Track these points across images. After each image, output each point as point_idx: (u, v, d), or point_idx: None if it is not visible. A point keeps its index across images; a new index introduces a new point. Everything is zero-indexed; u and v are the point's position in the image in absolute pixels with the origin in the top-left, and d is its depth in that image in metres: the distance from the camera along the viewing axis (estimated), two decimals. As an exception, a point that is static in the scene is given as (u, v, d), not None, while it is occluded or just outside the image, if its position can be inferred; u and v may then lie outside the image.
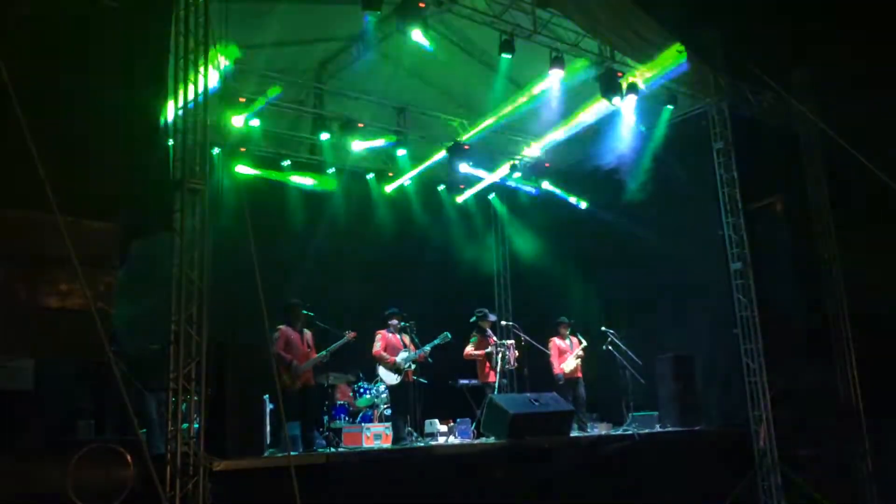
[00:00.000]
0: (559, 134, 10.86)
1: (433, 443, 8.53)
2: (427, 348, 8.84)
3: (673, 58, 8.78)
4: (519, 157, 11.73)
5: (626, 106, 9.40)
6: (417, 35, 7.61)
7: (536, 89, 9.20)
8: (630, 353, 9.63)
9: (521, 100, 9.52)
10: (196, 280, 5.60)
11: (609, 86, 8.89)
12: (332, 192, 10.98)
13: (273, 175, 10.47)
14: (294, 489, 5.42)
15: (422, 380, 8.97)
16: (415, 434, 8.56)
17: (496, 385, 9.20)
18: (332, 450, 7.52)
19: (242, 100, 8.91)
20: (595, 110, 9.92)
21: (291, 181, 10.55)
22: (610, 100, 9.04)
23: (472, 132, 10.46)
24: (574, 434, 8.66)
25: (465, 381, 9.70)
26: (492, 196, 12.76)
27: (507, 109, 9.78)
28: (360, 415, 9.01)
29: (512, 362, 9.54)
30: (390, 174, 11.43)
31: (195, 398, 5.51)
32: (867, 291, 9.71)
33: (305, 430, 7.68)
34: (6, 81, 4.78)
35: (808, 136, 10.31)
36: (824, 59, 9.87)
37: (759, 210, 9.90)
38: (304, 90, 9.60)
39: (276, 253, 9.26)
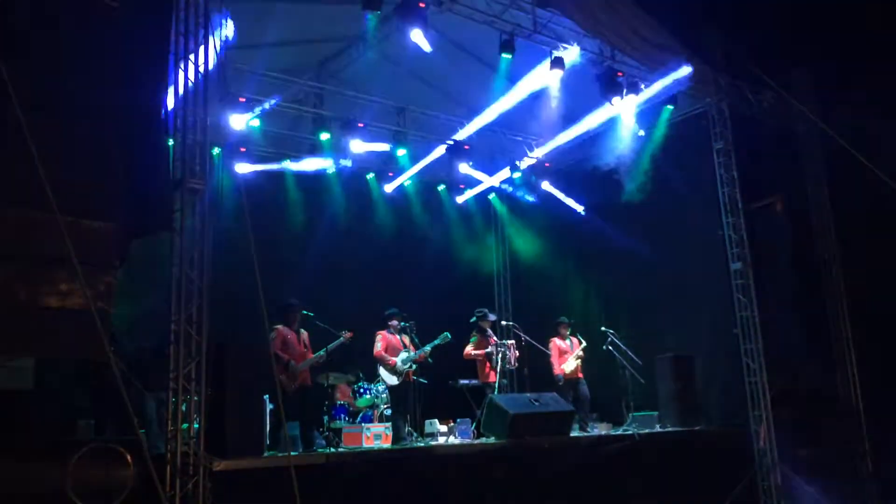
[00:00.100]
0: (562, 138, 10.86)
1: (433, 443, 8.52)
2: (427, 348, 8.85)
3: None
4: (519, 161, 11.73)
5: (626, 106, 9.39)
6: (417, 36, 7.60)
7: (530, 83, 9.18)
8: (630, 353, 9.63)
9: (516, 95, 9.49)
10: (196, 280, 5.60)
11: (609, 86, 8.89)
12: (333, 192, 10.98)
13: (273, 174, 10.47)
14: (294, 489, 5.42)
15: (422, 380, 8.97)
16: (415, 434, 8.56)
17: (496, 385, 9.21)
18: (332, 450, 7.51)
19: (242, 100, 8.91)
20: (599, 116, 9.92)
21: (292, 169, 10.47)
22: (609, 100, 9.04)
23: (469, 129, 10.45)
24: (574, 434, 8.66)
25: (466, 382, 9.70)
26: (492, 196, 12.76)
27: (503, 106, 9.76)
28: (360, 415, 9.01)
29: (512, 362, 9.54)
30: (390, 174, 11.43)
31: (195, 398, 5.51)
32: (867, 291, 9.72)
33: (305, 431, 7.69)
34: (6, 81, 4.78)
35: (808, 136, 10.32)
36: (824, 58, 9.87)
37: (759, 210, 9.90)
38: (304, 90, 9.59)
39: (276, 253, 9.27)
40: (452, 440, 8.76)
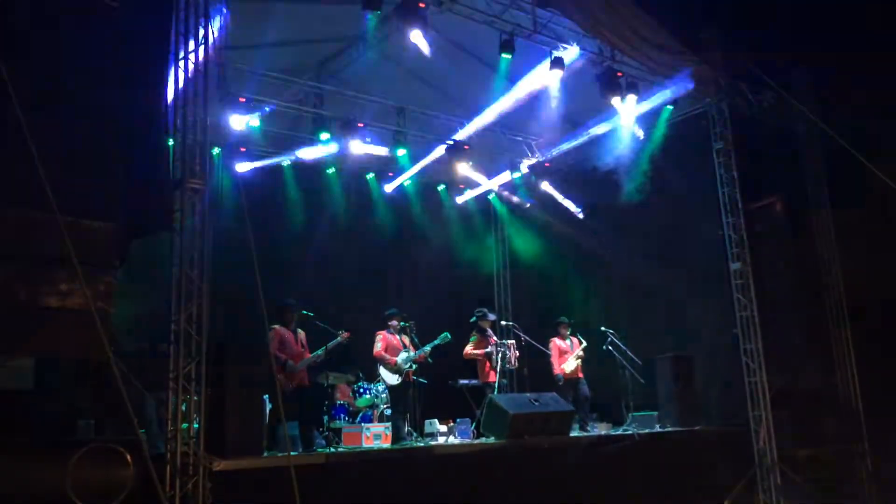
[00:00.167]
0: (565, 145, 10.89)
1: (433, 443, 8.52)
2: (427, 349, 8.85)
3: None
4: (519, 161, 11.74)
5: (626, 106, 9.39)
6: (417, 39, 7.60)
7: (530, 84, 9.18)
8: (630, 352, 9.63)
9: (516, 95, 9.50)
10: (196, 279, 5.60)
11: (609, 86, 8.89)
12: (333, 192, 10.99)
13: (273, 174, 10.47)
14: (294, 489, 5.42)
15: (421, 380, 8.97)
16: (414, 434, 8.57)
17: (496, 385, 9.21)
18: (332, 450, 7.52)
19: (242, 100, 8.91)
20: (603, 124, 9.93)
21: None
22: (609, 100, 9.04)
23: (469, 129, 10.45)
24: (574, 434, 8.66)
25: (465, 382, 9.70)
26: (492, 196, 12.76)
27: (503, 106, 9.76)
28: (360, 415, 9.01)
29: (513, 362, 9.54)
30: (390, 174, 11.43)
31: (195, 398, 5.51)
32: (867, 291, 9.72)
33: (305, 430, 7.69)
34: (6, 81, 4.79)
35: (808, 136, 10.32)
36: (824, 58, 9.87)
37: (759, 210, 9.90)
38: (304, 90, 9.59)
39: (276, 253, 9.26)
40: (452, 440, 8.76)
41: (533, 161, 11.72)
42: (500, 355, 9.31)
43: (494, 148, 11.39)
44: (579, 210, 11.74)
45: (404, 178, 11.42)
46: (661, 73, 9.03)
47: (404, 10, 7.52)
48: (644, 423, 9.27)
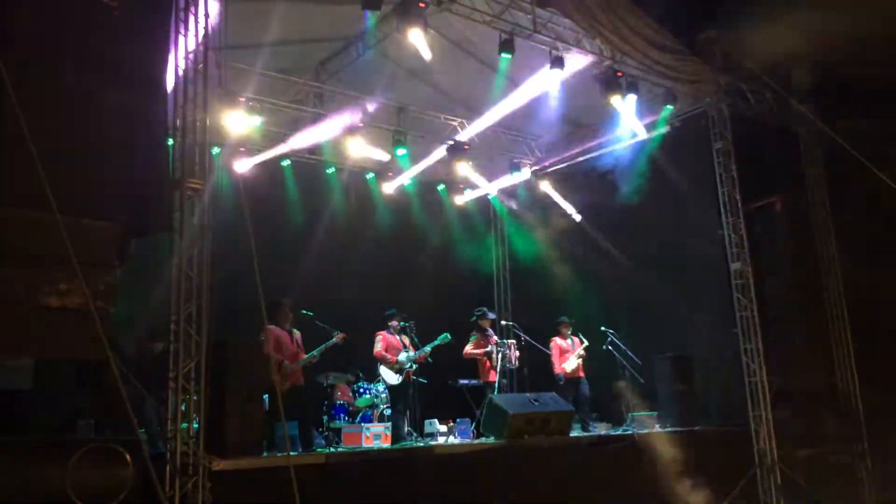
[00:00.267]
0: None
1: (433, 443, 8.53)
2: (427, 349, 8.87)
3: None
4: (519, 160, 11.75)
5: (626, 106, 9.39)
6: (416, 38, 7.59)
7: (534, 87, 9.18)
8: (630, 352, 9.63)
9: (520, 98, 9.50)
10: (195, 279, 5.60)
11: (609, 85, 8.89)
12: (332, 191, 10.98)
13: (273, 174, 10.47)
14: (294, 489, 5.42)
15: (421, 379, 8.98)
16: (414, 434, 8.57)
17: (496, 385, 9.21)
18: (332, 449, 7.52)
19: (242, 99, 8.91)
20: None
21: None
22: (610, 99, 9.04)
23: (471, 130, 10.45)
24: (574, 434, 8.66)
25: (465, 382, 9.71)
26: (492, 196, 12.76)
27: (506, 108, 9.76)
28: (360, 415, 9.02)
29: (513, 361, 9.54)
30: (390, 174, 11.43)
31: (194, 397, 5.51)
32: (867, 291, 9.72)
33: (304, 430, 7.68)
34: (6, 81, 4.78)
35: (808, 136, 10.32)
36: (824, 58, 9.87)
37: (759, 210, 9.90)
38: (304, 90, 9.59)
39: (275, 252, 9.26)
40: (452, 440, 8.77)
41: (534, 164, 11.72)
42: (500, 355, 9.32)
43: (494, 147, 11.39)
44: (578, 210, 11.72)
45: (404, 178, 11.41)
46: (661, 73, 9.04)
47: (404, 10, 7.52)
48: (644, 423, 9.27)
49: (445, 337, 8.92)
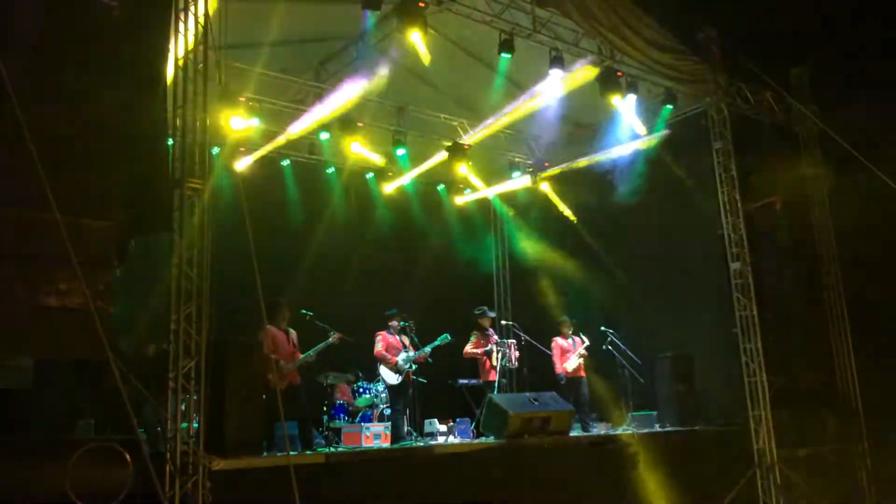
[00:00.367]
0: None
1: (433, 442, 8.54)
2: (427, 349, 8.87)
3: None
4: (519, 159, 11.75)
5: (626, 105, 9.39)
6: (416, 39, 7.59)
7: (541, 92, 9.19)
8: (629, 352, 9.63)
9: (526, 103, 9.52)
10: (195, 279, 5.61)
11: (609, 85, 8.89)
12: (332, 191, 10.99)
13: (273, 174, 10.47)
14: (293, 488, 5.42)
15: (421, 379, 8.99)
16: (414, 434, 8.57)
17: (496, 384, 9.21)
18: (332, 449, 7.53)
19: (242, 99, 8.92)
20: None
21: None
22: (609, 99, 9.04)
23: (474, 135, 10.46)
24: (573, 434, 8.66)
25: (465, 381, 9.71)
26: (491, 195, 12.77)
27: (511, 113, 9.78)
28: (360, 414, 9.03)
29: (513, 361, 9.54)
30: (390, 174, 11.44)
31: (194, 397, 5.52)
32: (866, 291, 9.72)
33: (303, 430, 7.69)
34: (6, 80, 4.79)
35: (807, 136, 10.31)
36: (824, 58, 9.87)
37: (759, 209, 9.90)
38: (304, 90, 9.60)
39: (275, 252, 9.26)
40: (452, 440, 8.77)
41: (533, 164, 11.72)
42: (500, 354, 9.32)
43: (494, 147, 11.39)
44: (578, 210, 11.72)
45: (404, 179, 11.41)
46: (661, 73, 9.04)
47: (404, 10, 7.52)
48: (643, 423, 9.27)
49: (445, 337, 8.93)
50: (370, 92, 8.66)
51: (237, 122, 8.99)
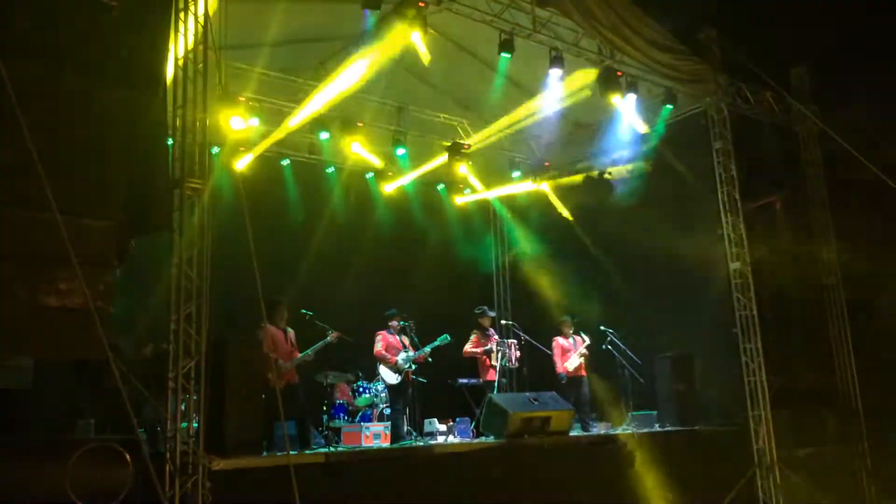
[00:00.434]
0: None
1: (432, 442, 8.54)
2: (427, 349, 8.87)
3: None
4: (519, 159, 11.74)
5: (626, 105, 9.39)
6: (416, 39, 7.59)
7: (549, 98, 9.21)
8: (629, 352, 9.64)
9: (533, 108, 9.54)
10: (195, 279, 5.61)
11: (609, 85, 8.89)
12: (332, 191, 10.99)
13: (272, 174, 10.48)
14: (293, 488, 5.43)
15: (421, 379, 8.99)
16: (414, 433, 8.58)
17: (496, 384, 9.21)
18: (331, 449, 7.53)
19: (242, 99, 8.92)
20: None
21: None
22: (609, 99, 9.04)
23: (476, 140, 10.47)
24: (573, 433, 8.66)
25: (465, 381, 9.71)
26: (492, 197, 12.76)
27: (515, 116, 9.80)
28: (360, 414, 9.03)
29: (513, 361, 9.54)
30: (390, 173, 11.44)
31: (194, 397, 5.52)
32: (866, 291, 9.72)
33: (301, 429, 7.69)
34: (6, 81, 4.79)
35: (807, 136, 10.31)
36: (824, 58, 9.87)
37: (759, 209, 9.90)
38: (304, 89, 9.59)
39: (275, 252, 9.25)
40: (452, 439, 8.78)
41: (533, 163, 11.71)
42: (500, 354, 9.32)
43: (494, 147, 11.38)
44: (578, 209, 11.72)
45: (405, 180, 11.41)
46: (661, 73, 9.03)
47: (404, 9, 7.51)
48: (643, 423, 9.28)
49: (445, 338, 8.94)
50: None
51: (237, 122, 8.99)
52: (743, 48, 9.25)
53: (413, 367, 8.82)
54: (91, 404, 6.46)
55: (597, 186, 10.93)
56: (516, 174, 11.91)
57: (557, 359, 9.86)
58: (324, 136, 9.90)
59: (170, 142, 6.00)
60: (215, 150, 9.25)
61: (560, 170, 11.80)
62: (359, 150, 10.16)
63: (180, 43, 6.04)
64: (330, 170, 11.03)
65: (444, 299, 10.98)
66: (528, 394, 8.50)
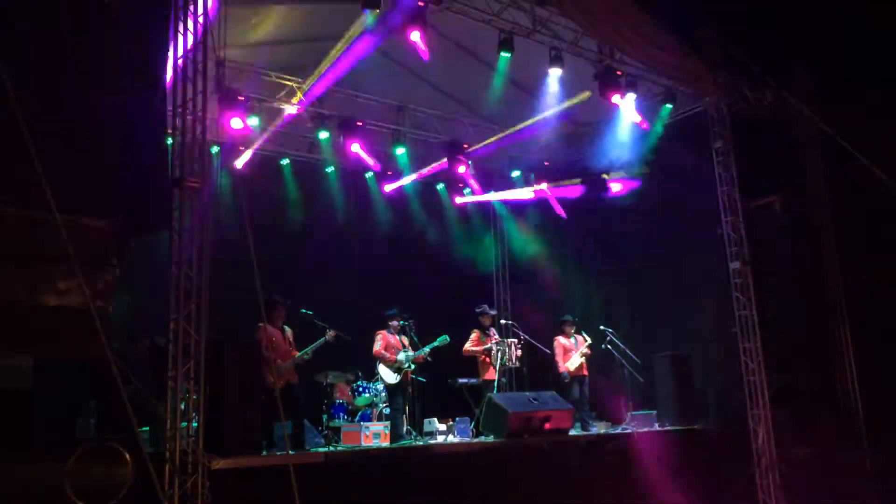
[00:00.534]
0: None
1: (432, 441, 8.54)
2: (426, 350, 8.87)
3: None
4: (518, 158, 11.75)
5: (626, 104, 9.39)
6: (416, 41, 7.58)
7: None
8: (629, 351, 9.64)
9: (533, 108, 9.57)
10: (194, 278, 5.61)
11: (608, 84, 8.89)
12: (332, 190, 10.99)
13: (272, 174, 10.47)
14: (293, 488, 5.43)
15: (420, 378, 8.99)
16: (414, 433, 8.58)
17: (496, 383, 9.22)
18: (331, 448, 7.53)
19: (242, 98, 8.91)
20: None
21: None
22: (609, 98, 9.03)
23: (480, 146, 10.50)
24: (573, 433, 8.67)
25: (464, 380, 9.71)
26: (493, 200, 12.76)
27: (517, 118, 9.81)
28: (359, 413, 9.02)
29: (513, 360, 9.54)
30: (389, 172, 11.44)
31: (194, 397, 5.52)
32: (867, 291, 9.72)
33: (298, 430, 7.69)
34: (6, 81, 4.79)
35: (807, 135, 10.30)
36: (824, 57, 9.86)
37: (759, 209, 9.90)
38: (304, 90, 9.58)
39: (274, 251, 9.26)
40: (451, 439, 8.77)
41: (532, 162, 11.69)
42: (499, 353, 9.32)
43: (493, 146, 11.37)
44: (578, 209, 11.70)
45: (405, 181, 11.41)
46: (661, 72, 9.03)
47: (404, 9, 7.51)
48: (643, 422, 9.27)
49: (444, 339, 8.94)
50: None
51: (237, 121, 8.99)
52: (743, 47, 9.24)
53: (412, 366, 8.82)
54: (91, 404, 6.47)
55: (596, 186, 10.93)
56: (516, 174, 11.90)
57: (559, 358, 9.86)
58: (323, 135, 9.89)
59: (169, 141, 6.00)
60: (215, 149, 9.31)
61: (559, 170, 11.80)
62: (358, 150, 10.16)
63: (180, 42, 6.04)
64: (329, 169, 11.02)
65: (444, 299, 10.97)
66: (527, 393, 8.50)
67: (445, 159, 10.58)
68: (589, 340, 9.94)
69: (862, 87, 9.50)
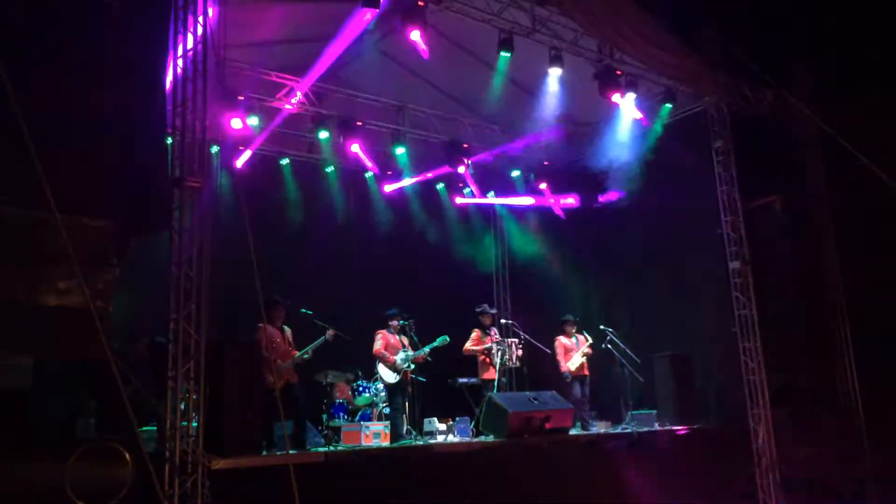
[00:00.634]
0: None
1: (432, 441, 8.54)
2: (426, 350, 8.87)
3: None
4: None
5: (626, 104, 9.39)
6: (416, 40, 7.58)
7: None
8: (629, 351, 9.64)
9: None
10: (195, 278, 5.61)
11: (608, 84, 8.88)
12: (332, 190, 10.99)
13: (272, 174, 10.47)
14: (293, 488, 5.43)
15: (420, 378, 8.99)
16: (414, 432, 8.58)
17: (496, 383, 9.22)
18: (331, 448, 7.53)
19: (242, 98, 8.92)
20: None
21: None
22: (609, 98, 9.03)
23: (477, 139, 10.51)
24: (573, 432, 8.67)
25: (464, 380, 9.71)
26: (490, 194, 12.76)
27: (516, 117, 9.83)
28: (359, 413, 9.02)
29: (514, 360, 9.54)
30: (389, 172, 11.44)
31: (194, 397, 5.52)
32: (867, 291, 9.71)
33: (298, 430, 7.68)
34: (6, 81, 4.79)
35: (807, 135, 10.30)
36: (824, 57, 9.86)
37: (759, 209, 9.89)
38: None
39: (274, 251, 9.26)
40: (451, 438, 8.77)
41: (531, 162, 11.69)
42: (500, 352, 9.32)
43: (493, 145, 11.37)
44: (578, 209, 11.71)
45: (405, 183, 11.41)
46: (662, 72, 9.02)
47: (404, 8, 7.51)
48: (643, 422, 9.28)
49: (444, 339, 8.94)
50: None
51: (237, 121, 9.00)
52: (743, 47, 9.23)
53: (412, 366, 8.82)
54: (91, 404, 6.47)
55: (596, 186, 10.93)
56: (515, 173, 11.89)
57: (560, 358, 9.87)
58: (323, 135, 9.90)
59: (169, 141, 6.00)
60: (215, 149, 9.31)
61: (559, 170, 11.80)
62: (358, 151, 10.16)
63: (180, 42, 6.04)
64: (329, 168, 11.02)
65: (444, 299, 10.97)
66: (528, 393, 8.50)
67: (447, 164, 10.58)
68: (590, 340, 9.95)
69: (862, 87, 9.49)
